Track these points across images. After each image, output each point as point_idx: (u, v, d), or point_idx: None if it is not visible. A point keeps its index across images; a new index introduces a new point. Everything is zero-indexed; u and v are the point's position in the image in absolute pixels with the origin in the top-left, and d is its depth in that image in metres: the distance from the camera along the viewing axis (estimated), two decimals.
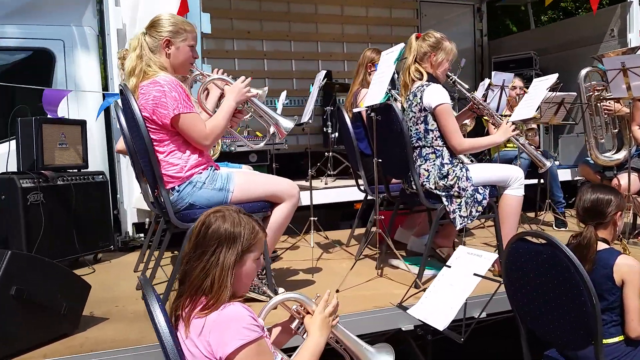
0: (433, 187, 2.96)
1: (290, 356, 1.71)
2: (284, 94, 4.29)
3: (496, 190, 3.09)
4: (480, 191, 2.98)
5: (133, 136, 2.56)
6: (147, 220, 4.38)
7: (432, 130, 2.98)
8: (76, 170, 3.88)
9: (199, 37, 4.48)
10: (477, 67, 8.64)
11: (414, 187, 3.03)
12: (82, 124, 3.94)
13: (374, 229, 3.08)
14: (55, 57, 4.44)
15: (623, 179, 4.00)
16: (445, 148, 2.98)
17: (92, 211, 3.88)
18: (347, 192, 4.88)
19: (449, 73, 3.15)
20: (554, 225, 4.57)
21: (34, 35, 4.38)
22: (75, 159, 3.88)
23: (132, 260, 3.77)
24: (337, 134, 5.73)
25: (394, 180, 3.57)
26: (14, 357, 2.11)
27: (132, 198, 4.39)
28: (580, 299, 1.85)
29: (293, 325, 1.77)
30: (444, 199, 2.94)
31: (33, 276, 2.21)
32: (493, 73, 4.29)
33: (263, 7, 7.39)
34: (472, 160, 3.33)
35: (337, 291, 2.82)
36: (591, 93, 4.64)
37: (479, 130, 5.22)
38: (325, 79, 3.74)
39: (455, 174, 2.93)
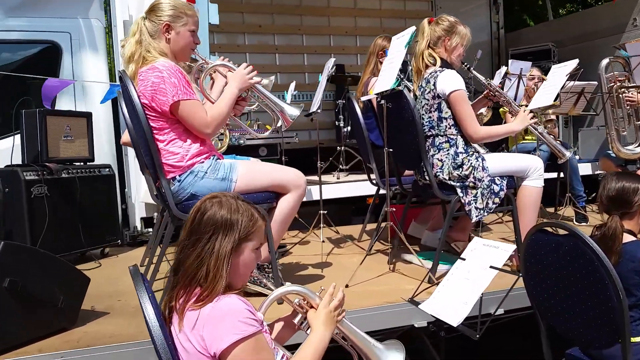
0: (447, 178, 2.83)
1: (293, 353, 1.60)
2: (292, 85, 4.19)
3: (514, 181, 2.95)
4: (497, 182, 2.84)
5: (133, 125, 2.46)
6: (156, 214, 4.30)
7: (445, 119, 2.85)
8: (82, 163, 3.82)
9: (207, 28, 4.44)
10: (493, 60, 8.47)
11: (427, 178, 2.90)
12: (87, 116, 3.87)
13: (386, 222, 2.95)
14: (62, 50, 4.39)
15: None
16: (459, 136, 2.85)
17: (99, 205, 3.81)
18: (359, 186, 4.78)
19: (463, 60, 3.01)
20: (574, 220, 4.40)
21: (40, 28, 4.34)
22: (81, 152, 3.81)
23: (140, 254, 3.70)
24: (349, 128, 5.60)
25: (407, 173, 3.44)
26: (8, 352, 2.03)
27: (141, 192, 4.32)
28: (606, 294, 1.72)
29: (296, 320, 1.66)
30: (458, 190, 2.80)
31: (28, 268, 2.12)
32: (510, 61, 4.13)
33: (274, 1, 7.32)
34: (487, 151, 3.18)
35: (347, 286, 2.70)
36: (613, 84, 4.45)
37: (497, 122, 5.06)
38: (335, 67, 3.61)
39: (471, 163, 2.80)
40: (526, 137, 5.09)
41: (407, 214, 3.35)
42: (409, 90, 3.01)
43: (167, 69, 2.34)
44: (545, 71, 5.68)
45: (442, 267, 2.84)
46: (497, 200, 2.82)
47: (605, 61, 4.66)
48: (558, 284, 1.91)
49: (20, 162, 3.52)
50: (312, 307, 1.63)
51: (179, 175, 2.40)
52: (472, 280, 1.94)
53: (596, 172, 5.48)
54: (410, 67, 3.14)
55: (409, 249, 2.84)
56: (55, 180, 3.49)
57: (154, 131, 2.40)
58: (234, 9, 7.05)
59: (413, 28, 2.76)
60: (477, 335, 1.89)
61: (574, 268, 1.82)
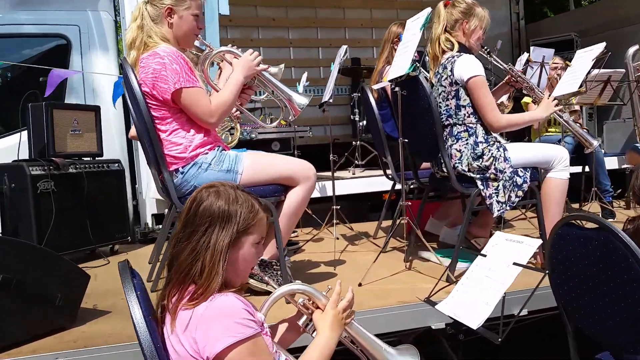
0: (466, 170, 2.67)
1: (297, 357, 1.47)
2: (304, 76, 4.05)
3: (538, 172, 2.78)
4: (520, 174, 2.67)
5: (136, 115, 2.35)
6: (167, 211, 4.21)
7: (464, 106, 2.69)
8: (90, 158, 3.73)
9: (217, 20, 4.33)
10: (514, 52, 8.22)
11: (445, 170, 2.74)
12: (96, 109, 3.79)
13: (401, 218, 2.80)
14: (71, 43, 4.32)
15: None
16: (479, 125, 2.69)
17: (108, 201, 3.73)
18: (376, 181, 4.63)
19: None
20: (600, 216, 4.19)
21: (49, 21, 4.29)
22: (89, 147, 3.73)
23: (149, 252, 3.59)
24: (365, 122, 5.45)
25: (424, 166, 3.29)
26: (1, 352, 1.93)
27: (152, 188, 4.22)
28: None
29: (301, 322, 1.52)
30: (478, 183, 2.64)
31: (23, 265, 2.02)
32: (532, 48, 3.94)
33: None
34: (508, 141, 3.01)
35: (360, 284, 2.56)
36: None
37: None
38: (347, 54, 3.47)
39: (492, 153, 2.63)
40: (549, 129, 4.89)
41: (425, 209, 3.19)
42: (426, 80, 2.85)
43: (169, 54, 2.23)
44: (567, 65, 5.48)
45: (461, 265, 2.68)
46: (520, 193, 2.66)
47: (633, 49, 4.44)
48: (587, 283, 1.74)
49: (27, 158, 3.46)
50: (318, 307, 1.50)
51: (182, 167, 2.28)
52: (494, 279, 1.78)
53: (623, 166, 5.25)
54: (426, 58, 2.98)
55: (426, 246, 2.68)
56: (62, 176, 3.40)
57: (156, 121, 2.29)
58: (248, 3, 6.94)
59: (429, 9, 2.60)
60: (499, 339, 1.74)
61: (604, 265, 1.65)
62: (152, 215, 4.31)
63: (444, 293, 2.17)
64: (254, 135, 4.24)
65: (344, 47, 3.43)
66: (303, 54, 7.18)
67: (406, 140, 2.73)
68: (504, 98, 3.83)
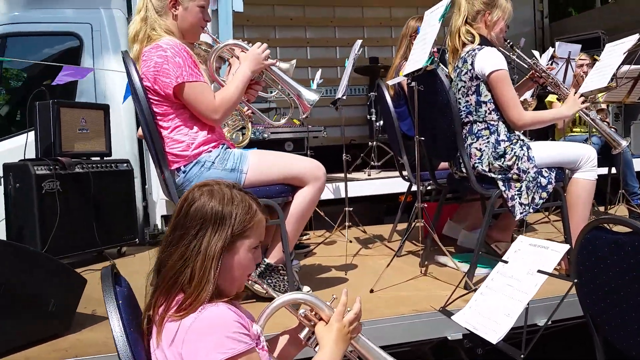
0: (487, 170, 2.50)
1: None
2: (318, 74, 3.93)
3: (563, 173, 2.60)
4: (545, 174, 2.50)
5: (138, 112, 2.24)
6: None
7: (485, 103, 2.52)
8: (98, 158, 3.65)
9: (231, 16, 4.23)
10: (536, 53, 7.99)
11: (464, 171, 2.58)
12: (104, 108, 3.70)
13: (417, 221, 2.64)
14: (83, 41, 4.25)
15: None
16: (501, 122, 2.52)
17: (115, 202, 3.64)
18: (392, 183, 4.48)
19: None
20: None
21: (60, 19, 4.23)
22: (97, 146, 3.65)
23: None
24: (382, 122, 5.30)
25: (441, 166, 3.13)
26: None
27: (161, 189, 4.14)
28: None
29: (302, 335, 1.38)
30: (500, 184, 2.48)
31: (13, 267, 1.91)
32: (557, 44, 3.75)
33: None
34: (531, 140, 2.84)
35: (371, 290, 2.42)
36: None
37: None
38: (361, 50, 3.33)
39: (514, 152, 2.46)
40: (574, 129, 4.69)
41: (442, 212, 3.03)
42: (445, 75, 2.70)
43: (172, 47, 2.11)
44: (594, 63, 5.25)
45: (480, 271, 2.52)
46: (544, 194, 2.48)
47: None
48: (618, 292, 1.58)
49: (34, 157, 3.38)
50: (321, 319, 1.36)
51: (184, 166, 2.17)
52: (516, 288, 1.62)
53: None
54: (446, 55, 2.82)
55: (443, 250, 2.53)
56: (68, 176, 3.32)
57: (158, 117, 2.17)
58: (265, 2, 6.86)
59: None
60: (522, 355, 1.57)
61: (638, 273, 1.49)
62: (162, 216, 4.22)
63: (461, 302, 2.01)
64: (266, 135, 4.12)
65: (359, 42, 3.29)
66: (321, 54, 7.07)
67: (422, 138, 2.58)
68: (527, 95, 3.65)
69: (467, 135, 2.57)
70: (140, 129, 3.44)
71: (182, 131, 2.17)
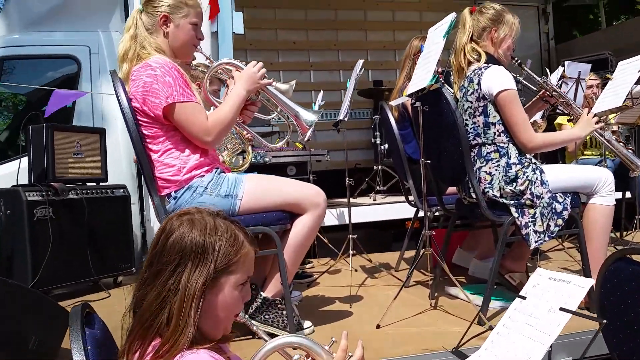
0: (498, 195, 2.36)
1: None
2: (320, 95, 3.82)
3: (579, 198, 2.45)
4: (560, 199, 2.35)
5: (129, 134, 2.12)
6: None
7: (493, 124, 2.39)
8: (94, 184, 3.53)
9: (231, 38, 4.15)
10: (544, 73, 7.90)
11: (474, 196, 2.43)
12: (100, 132, 3.60)
13: (425, 249, 2.49)
14: (81, 63, 4.18)
15: None
16: (511, 145, 2.38)
17: (111, 229, 3.50)
18: (397, 208, 4.34)
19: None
20: None
21: (59, 42, 4.18)
22: (92, 171, 3.52)
23: None
24: (387, 146, 5.18)
25: (450, 190, 2.98)
26: None
27: None
28: None
29: None
30: (512, 210, 2.32)
31: None
32: (566, 63, 3.63)
33: (309, 16, 7.06)
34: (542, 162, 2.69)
35: (377, 326, 2.25)
36: None
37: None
38: (363, 69, 3.22)
39: (527, 176, 2.32)
40: (585, 152, 4.54)
41: (451, 239, 2.87)
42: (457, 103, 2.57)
43: (161, 65, 2.00)
44: (604, 84, 5.12)
45: (494, 304, 2.36)
46: (560, 221, 2.33)
47: None
48: None
49: (27, 182, 3.27)
50: None
51: (175, 192, 2.03)
52: (537, 327, 1.46)
53: None
54: (450, 78, 2.70)
55: (454, 281, 2.36)
56: (62, 202, 3.20)
57: (147, 140, 2.05)
58: (268, 26, 6.84)
59: (453, 15, 2.33)
60: None
61: None
62: None
63: (476, 340, 1.85)
64: (267, 159, 3.99)
65: (360, 62, 3.18)
66: (324, 77, 7.01)
67: (429, 161, 2.43)
68: (537, 116, 3.51)
69: (476, 158, 2.43)
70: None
71: (172, 154, 2.04)
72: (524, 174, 2.32)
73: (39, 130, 3.23)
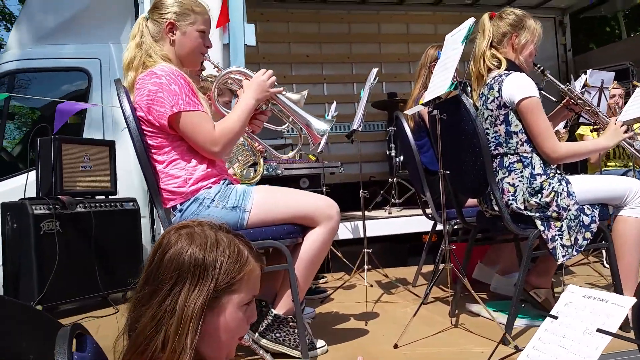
0: (522, 208, 2.23)
1: None
2: (333, 106, 3.73)
3: (607, 210, 2.31)
4: (587, 211, 2.21)
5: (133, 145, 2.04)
6: None
7: (516, 133, 2.27)
8: (103, 197, 3.46)
9: (243, 50, 4.09)
10: (567, 82, 7.74)
11: (496, 208, 2.31)
12: (109, 144, 3.54)
13: (444, 264, 2.36)
14: (92, 76, 4.15)
15: None
16: (535, 154, 2.26)
17: (120, 243, 3.44)
18: (414, 221, 4.21)
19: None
20: None
21: (69, 55, 4.16)
22: (101, 184, 3.46)
23: None
24: (402, 158, 5.07)
25: (469, 202, 2.85)
26: None
27: None
28: None
29: None
30: (538, 223, 2.19)
31: None
32: (589, 72, 3.50)
33: (322, 30, 7.02)
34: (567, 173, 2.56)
35: (395, 346, 2.12)
36: None
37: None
38: (377, 78, 3.12)
39: (552, 188, 2.19)
40: (609, 164, 4.38)
41: (472, 254, 2.73)
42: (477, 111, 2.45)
43: (167, 74, 1.92)
44: (627, 93, 4.95)
45: (519, 322, 2.22)
46: (588, 235, 2.19)
47: None
48: None
49: (34, 196, 3.21)
50: None
51: (181, 204, 1.94)
52: (572, 350, 1.33)
53: None
54: (468, 89, 2.59)
55: (476, 297, 2.23)
56: (69, 215, 3.14)
57: (152, 150, 1.97)
58: (281, 39, 6.81)
59: (472, 20, 2.23)
60: None
61: None
62: None
63: None
64: (279, 172, 3.90)
65: (374, 70, 3.09)
66: (338, 90, 6.94)
67: (447, 172, 2.32)
68: (559, 126, 3.38)
69: (498, 168, 2.31)
70: None
71: (178, 165, 1.95)
72: (549, 185, 2.19)
73: (46, 142, 3.18)
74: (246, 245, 1.09)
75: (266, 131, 2.62)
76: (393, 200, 4.99)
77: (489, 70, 2.39)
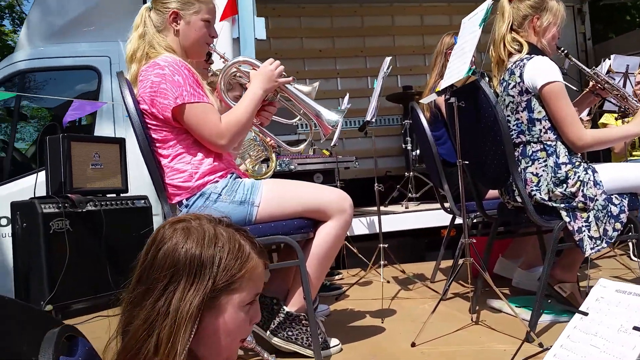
0: (546, 198, 2.11)
1: None
2: (346, 98, 3.64)
3: (637, 199, 2.19)
4: (616, 201, 2.09)
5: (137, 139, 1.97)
6: None
7: (539, 120, 2.15)
8: (114, 195, 3.42)
9: (253, 43, 4.02)
10: (581, 76, 7.55)
11: (519, 200, 2.19)
12: (120, 142, 3.49)
13: (464, 259, 2.26)
14: (102, 74, 4.11)
15: None
16: (559, 142, 2.14)
17: (131, 241, 3.36)
18: (431, 215, 4.11)
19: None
20: None
21: (79, 53, 4.13)
22: (112, 182, 3.42)
23: None
24: (418, 151, 4.96)
25: (490, 194, 2.74)
26: None
27: None
28: None
29: None
30: (563, 214, 2.07)
31: None
32: (613, 56, 3.34)
33: (335, 24, 6.91)
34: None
35: (413, 344, 2.03)
36: None
37: None
38: (391, 67, 3.02)
39: (578, 177, 2.07)
40: (634, 153, 4.22)
41: (493, 248, 2.62)
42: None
43: (170, 64, 1.84)
44: None
45: (544, 318, 2.11)
46: (618, 225, 2.07)
47: None
48: None
49: (44, 195, 3.17)
50: None
51: (187, 199, 1.87)
52: (605, 350, 1.22)
53: None
54: (486, 79, 2.47)
55: (498, 293, 2.12)
56: (79, 214, 3.09)
57: (157, 144, 1.90)
58: (293, 35, 6.73)
59: (489, 1, 2.11)
60: None
61: None
62: None
63: None
64: (293, 167, 3.82)
65: (387, 59, 2.99)
66: (351, 84, 6.83)
67: (466, 162, 2.21)
68: (583, 113, 3.24)
69: (520, 158, 2.19)
70: None
71: (184, 159, 1.88)
72: (575, 175, 2.08)
73: (55, 141, 3.14)
74: (248, 240, 1.01)
75: (279, 126, 2.54)
76: (410, 194, 4.88)
77: (510, 54, 2.27)
